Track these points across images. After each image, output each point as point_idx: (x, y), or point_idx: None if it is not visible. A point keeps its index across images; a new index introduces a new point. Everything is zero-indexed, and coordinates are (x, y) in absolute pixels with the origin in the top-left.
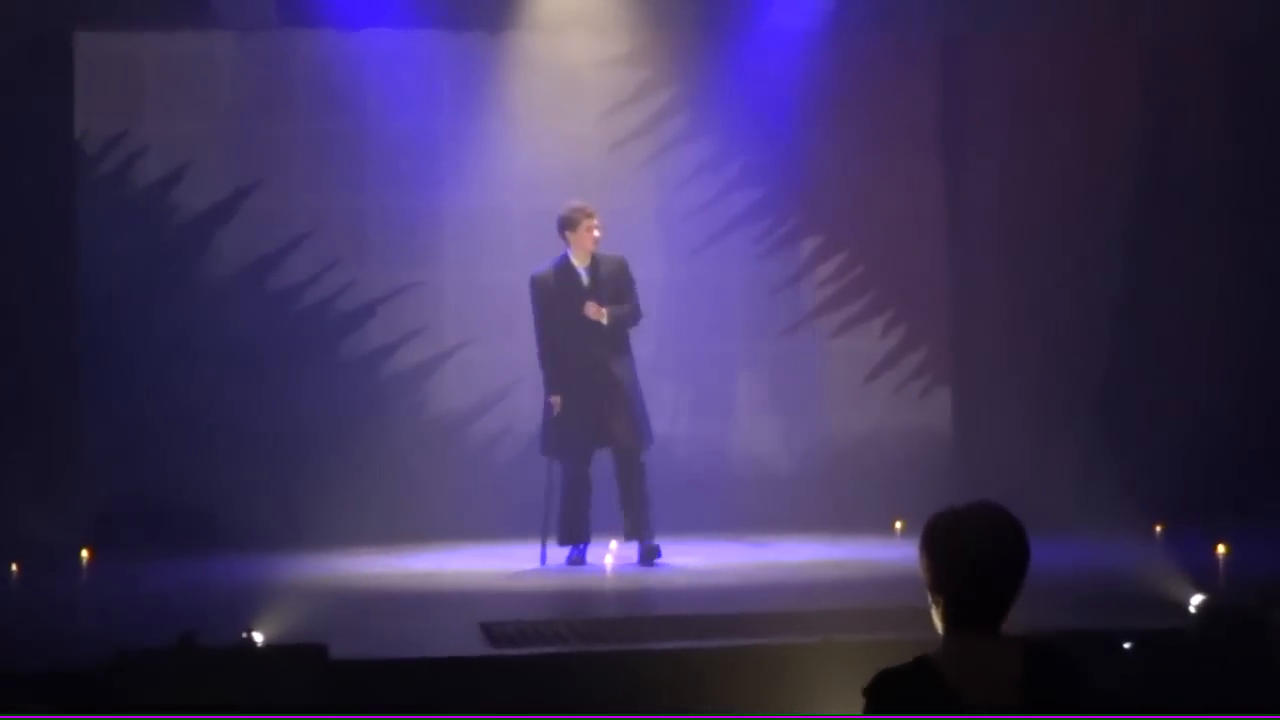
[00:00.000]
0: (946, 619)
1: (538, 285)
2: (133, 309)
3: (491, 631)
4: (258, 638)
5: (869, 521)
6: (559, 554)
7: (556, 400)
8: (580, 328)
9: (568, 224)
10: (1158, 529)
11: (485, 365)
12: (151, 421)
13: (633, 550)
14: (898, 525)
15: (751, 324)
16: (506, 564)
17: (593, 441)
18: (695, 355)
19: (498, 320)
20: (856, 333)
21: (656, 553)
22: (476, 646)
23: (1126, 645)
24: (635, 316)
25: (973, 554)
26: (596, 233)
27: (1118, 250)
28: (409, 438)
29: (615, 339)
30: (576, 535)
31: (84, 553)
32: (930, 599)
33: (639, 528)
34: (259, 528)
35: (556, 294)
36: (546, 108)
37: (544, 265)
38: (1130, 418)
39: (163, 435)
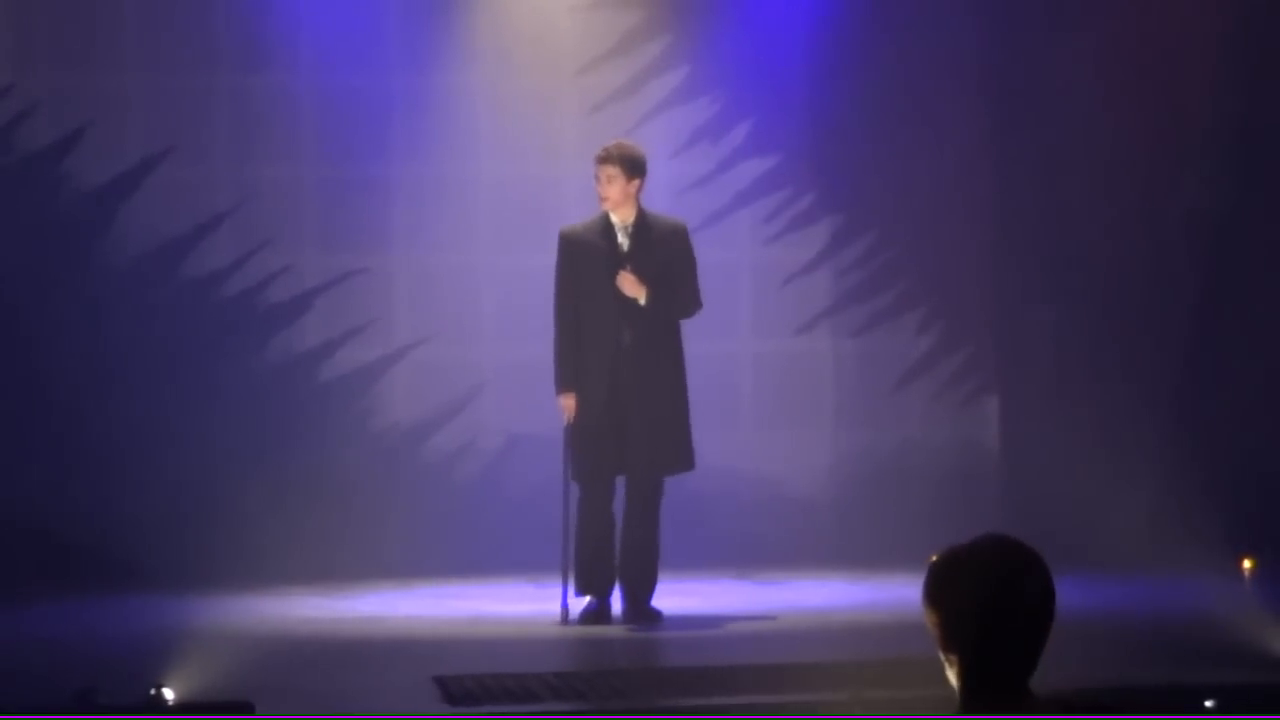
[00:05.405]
0: (964, 681)
1: (565, 242)
2: (17, 301)
3: (448, 687)
4: (169, 694)
5: (900, 556)
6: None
7: (568, 403)
8: (610, 307)
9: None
10: (1246, 565)
11: (443, 368)
12: (40, 437)
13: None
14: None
15: (759, 320)
16: (467, 607)
17: (615, 464)
18: (692, 358)
19: (458, 314)
20: (886, 330)
21: (657, 619)
22: (430, 704)
23: (1209, 703)
24: (690, 304)
25: (987, 601)
26: (604, 186)
27: (1199, 232)
28: (351, 455)
29: (657, 328)
30: (595, 584)
31: None
32: (943, 659)
33: (640, 578)
34: (171, 564)
35: (584, 258)
36: (513, 61)
37: (578, 221)
38: (1214, 432)
39: (53, 454)
